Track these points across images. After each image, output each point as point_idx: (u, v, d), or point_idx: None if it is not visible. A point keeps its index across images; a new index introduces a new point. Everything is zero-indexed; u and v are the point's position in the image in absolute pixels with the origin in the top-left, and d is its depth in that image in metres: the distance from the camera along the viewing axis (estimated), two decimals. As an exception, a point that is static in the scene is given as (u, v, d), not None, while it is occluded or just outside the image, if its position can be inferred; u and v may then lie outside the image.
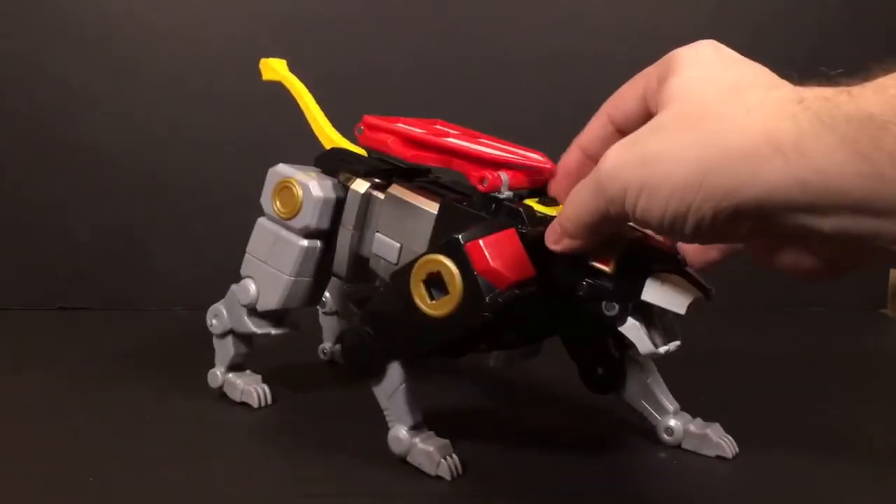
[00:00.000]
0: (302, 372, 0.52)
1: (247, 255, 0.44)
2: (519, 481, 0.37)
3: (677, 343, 0.34)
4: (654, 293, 0.32)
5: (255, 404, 0.45)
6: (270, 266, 0.43)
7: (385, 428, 0.38)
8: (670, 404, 0.41)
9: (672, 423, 0.40)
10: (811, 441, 0.42)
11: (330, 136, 0.45)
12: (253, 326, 0.44)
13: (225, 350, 0.46)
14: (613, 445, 0.41)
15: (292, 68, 0.65)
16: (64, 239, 0.65)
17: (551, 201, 0.36)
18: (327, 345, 0.53)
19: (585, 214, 0.30)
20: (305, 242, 0.42)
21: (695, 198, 0.26)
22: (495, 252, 0.33)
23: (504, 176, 0.36)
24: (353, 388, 0.48)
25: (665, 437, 0.41)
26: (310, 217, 0.41)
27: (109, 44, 0.63)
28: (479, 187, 0.36)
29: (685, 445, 0.40)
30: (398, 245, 0.38)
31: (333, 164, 0.43)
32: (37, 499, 0.36)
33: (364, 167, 0.42)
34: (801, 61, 0.68)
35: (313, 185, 0.42)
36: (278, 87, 0.65)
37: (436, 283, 0.34)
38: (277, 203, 0.43)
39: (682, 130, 0.27)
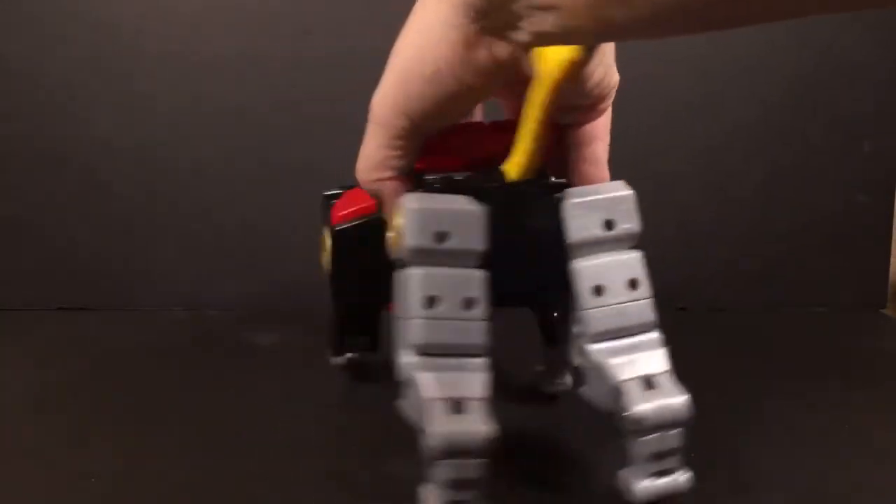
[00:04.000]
0: (307, 374, 0.52)
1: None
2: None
3: None
4: None
5: None
6: None
7: (388, 426, 0.38)
8: None
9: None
10: (810, 441, 0.42)
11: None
12: None
13: None
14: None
15: (293, 71, 0.65)
16: (64, 239, 0.65)
17: None
18: None
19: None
20: None
21: None
22: None
23: None
24: (357, 389, 0.49)
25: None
26: None
27: (110, 44, 0.63)
28: None
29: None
30: None
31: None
32: (37, 499, 0.36)
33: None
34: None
35: None
36: (278, 88, 0.65)
37: None
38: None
39: None
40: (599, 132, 0.37)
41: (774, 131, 0.67)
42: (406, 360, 0.31)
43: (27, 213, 0.65)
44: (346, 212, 0.40)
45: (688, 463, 0.35)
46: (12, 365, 0.53)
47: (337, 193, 0.41)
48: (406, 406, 0.32)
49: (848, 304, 0.68)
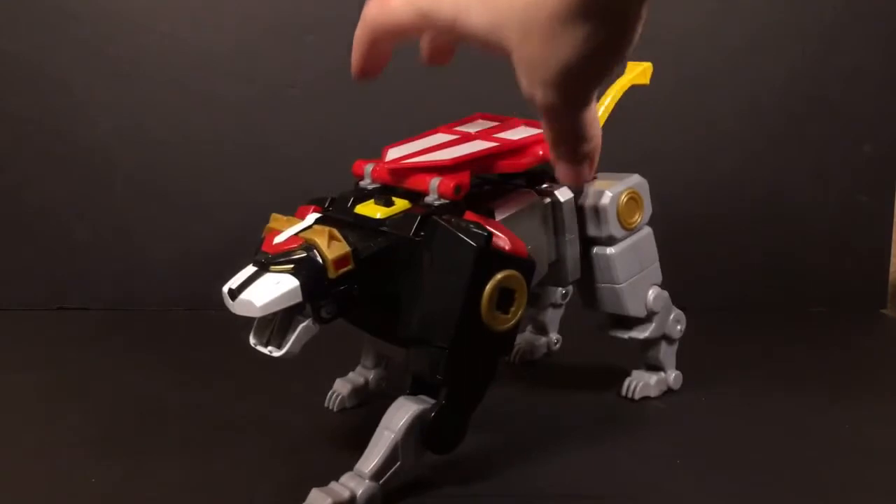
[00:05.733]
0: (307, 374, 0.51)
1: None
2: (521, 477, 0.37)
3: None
4: None
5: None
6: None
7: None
8: None
9: None
10: (811, 441, 0.42)
11: None
12: None
13: None
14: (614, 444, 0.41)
15: (294, 71, 0.65)
16: (64, 239, 0.65)
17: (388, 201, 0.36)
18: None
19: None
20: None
21: None
22: None
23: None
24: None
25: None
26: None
27: (109, 44, 0.63)
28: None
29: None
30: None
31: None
32: (37, 499, 0.36)
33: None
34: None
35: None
36: (279, 88, 0.65)
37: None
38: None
39: None
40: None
41: (775, 132, 0.67)
42: (658, 293, 0.45)
43: (27, 213, 0.65)
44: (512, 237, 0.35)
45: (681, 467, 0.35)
46: (12, 365, 0.53)
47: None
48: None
49: (848, 304, 0.68)
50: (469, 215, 0.35)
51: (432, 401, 0.34)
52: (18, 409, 0.46)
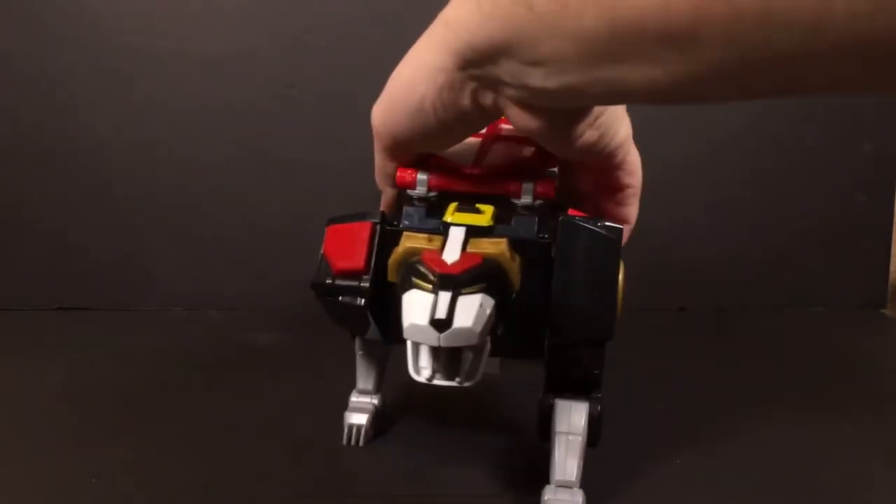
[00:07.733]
0: (307, 374, 0.52)
1: None
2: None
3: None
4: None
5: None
6: None
7: (388, 425, 0.38)
8: None
9: None
10: (811, 441, 0.42)
11: None
12: None
13: None
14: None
15: (294, 71, 0.65)
16: (64, 239, 0.65)
17: (474, 209, 0.34)
18: None
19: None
20: None
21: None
22: None
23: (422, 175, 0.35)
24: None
25: None
26: None
27: (109, 44, 0.63)
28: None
29: None
30: None
31: None
32: (37, 499, 0.36)
33: None
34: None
35: None
36: (278, 88, 0.65)
37: None
38: None
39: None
40: (625, 180, 0.36)
41: (775, 131, 0.67)
42: None
43: (27, 213, 0.65)
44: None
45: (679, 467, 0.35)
46: (12, 365, 0.53)
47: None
48: None
49: (848, 304, 0.68)
50: (572, 211, 0.34)
51: (582, 398, 0.35)
52: (18, 409, 0.46)
